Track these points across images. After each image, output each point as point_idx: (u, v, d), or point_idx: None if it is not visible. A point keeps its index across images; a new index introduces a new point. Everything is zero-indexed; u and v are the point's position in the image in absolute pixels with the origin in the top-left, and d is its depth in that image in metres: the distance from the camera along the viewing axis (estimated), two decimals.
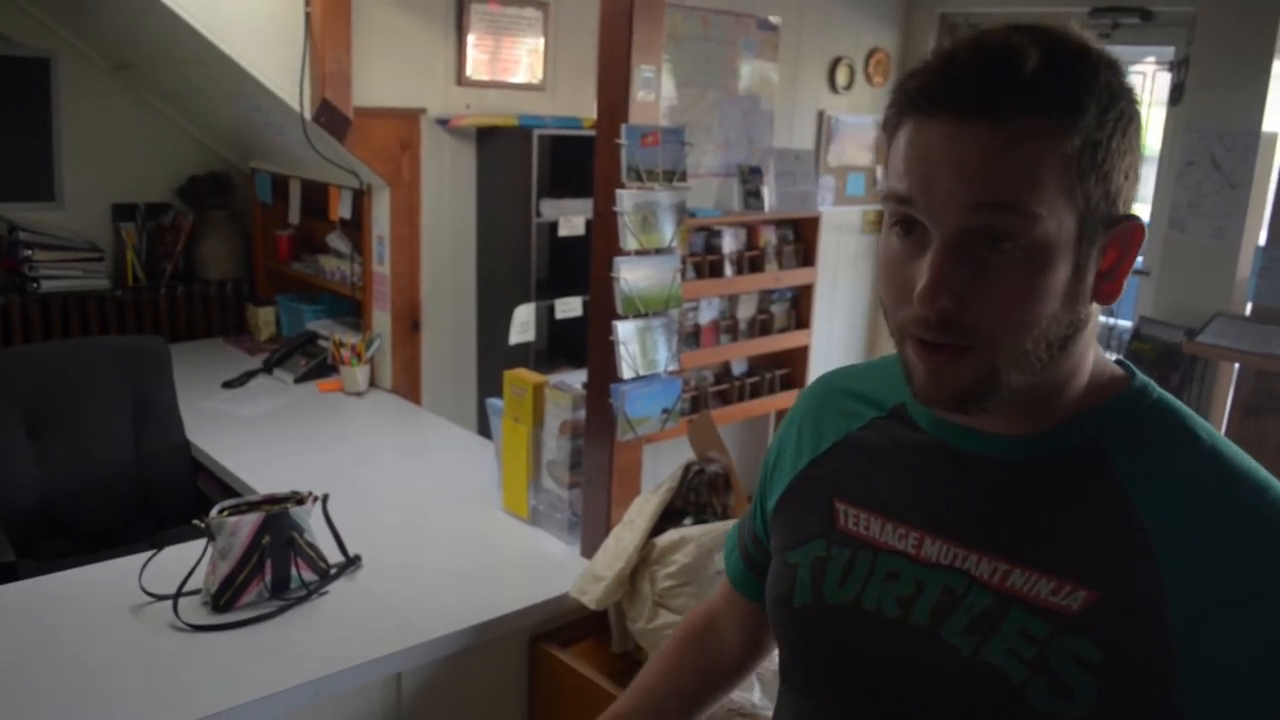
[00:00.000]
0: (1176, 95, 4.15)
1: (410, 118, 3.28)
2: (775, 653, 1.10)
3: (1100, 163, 0.76)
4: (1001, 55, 0.76)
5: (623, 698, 1.20)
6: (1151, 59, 4.42)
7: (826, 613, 0.92)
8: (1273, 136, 3.93)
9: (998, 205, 0.75)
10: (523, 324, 3.23)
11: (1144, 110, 0.81)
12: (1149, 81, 4.36)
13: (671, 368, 2.10)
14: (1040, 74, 0.74)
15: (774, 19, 4.40)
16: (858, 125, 4.89)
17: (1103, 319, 6.96)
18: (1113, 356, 0.89)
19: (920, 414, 0.92)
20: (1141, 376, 0.87)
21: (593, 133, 2.07)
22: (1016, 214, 0.75)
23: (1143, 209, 4.53)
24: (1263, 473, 0.79)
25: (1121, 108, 0.77)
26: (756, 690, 1.72)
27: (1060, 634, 0.79)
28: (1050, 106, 0.74)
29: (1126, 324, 4.47)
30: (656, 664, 1.23)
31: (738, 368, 4.64)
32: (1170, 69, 4.21)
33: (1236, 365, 3.93)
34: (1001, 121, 0.74)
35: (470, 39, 3.35)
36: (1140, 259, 4.38)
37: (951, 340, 0.79)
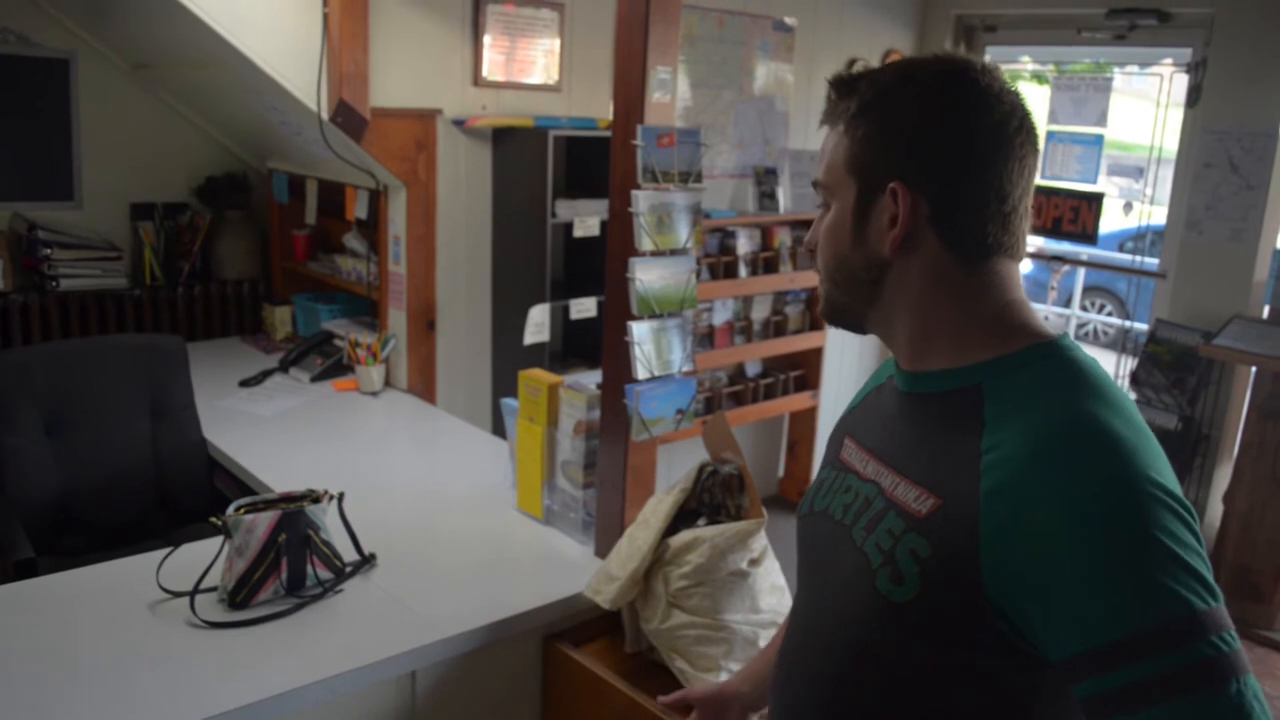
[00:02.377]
0: (1194, 97, 4.13)
1: (426, 118, 3.29)
2: None
3: (866, 141, 1.04)
4: (832, 82, 1.09)
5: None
6: (1169, 61, 4.39)
7: (812, 518, 1.18)
8: None
9: (817, 182, 1.11)
10: (538, 324, 3.24)
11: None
12: (1166, 83, 4.34)
13: (686, 368, 2.10)
14: (838, 96, 1.08)
15: (789, 20, 4.40)
16: None
17: (1119, 321, 6.92)
18: (1060, 332, 1.05)
19: (893, 365, 1.15)
20: (1061, 343, 1.01)
21: (608, 133, 2.08)
22: (824, 187, 1.10)
23: (1159, 211, 4.52)
24: (1097, 420, 0.92)
25: (880, 105, 1.03)
26: None
27: (909, 531, 0.99)
28: (839, 118, 1.08)
29: (1143, 327, 4.45)
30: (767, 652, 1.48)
31: (752, 369, 4.64)
32: (1187, 71, 4.18)
33: (1254, 368, 3.91)
34: (833, 128, 1.09)
35: (486, 40, 3.36)
36: (1155, 261, 4.38)
37: (817, 272, 1.14)
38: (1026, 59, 5.14)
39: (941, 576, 0.94)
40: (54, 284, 3.42)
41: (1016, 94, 1.03)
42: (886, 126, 1.03)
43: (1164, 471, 0.90)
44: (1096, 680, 0.85)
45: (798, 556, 1.22)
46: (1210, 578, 0.86)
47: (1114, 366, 4.60)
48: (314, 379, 3.40)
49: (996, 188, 1.01)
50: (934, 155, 1.01)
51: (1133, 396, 4.13)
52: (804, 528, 1.20)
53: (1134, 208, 5.26)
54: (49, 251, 3.42)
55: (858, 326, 1.13)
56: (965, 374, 1.02)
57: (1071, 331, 7.61)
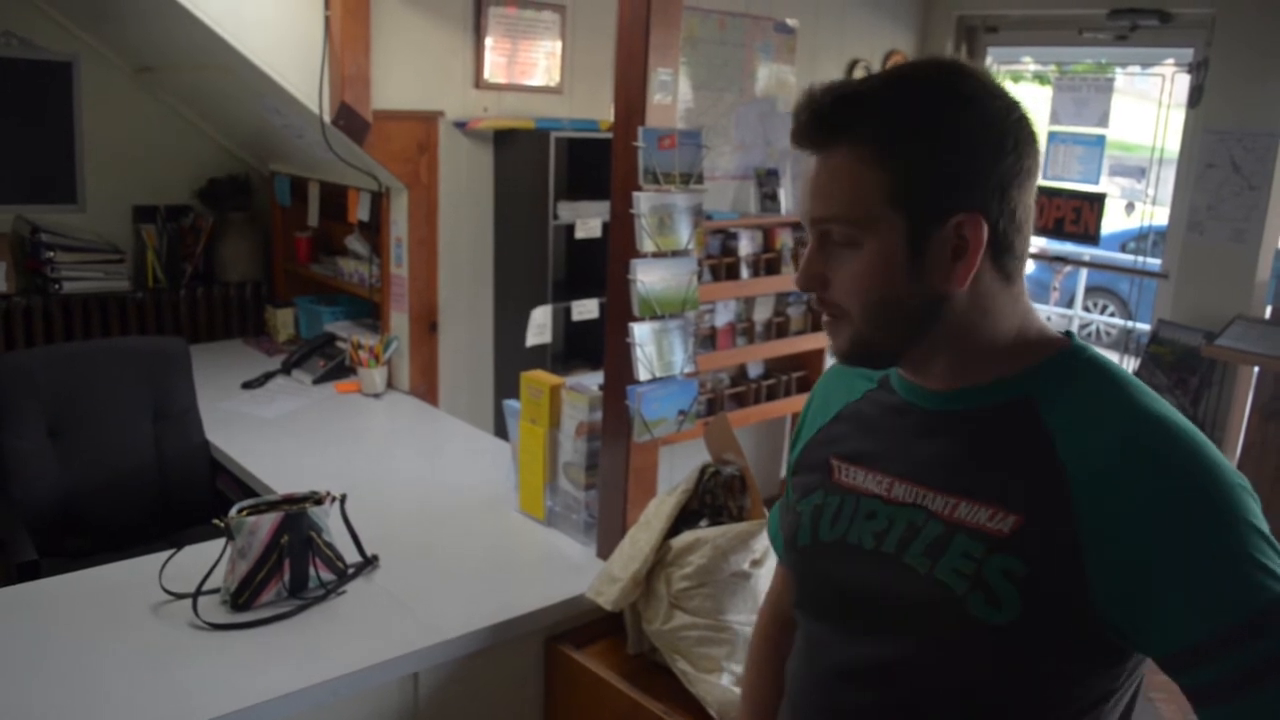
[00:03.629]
0: (1195, 97, 4.13)
1: (428, 120, 3.30)
2: None
3: (915, 171, 0.95)
4: (811, 100, 0.99)
5: None
6: (1170, 61, 4.39)
7: (821, 548, 1.10)
8: None
9: (825, 218, 0.99)
10: (540, 326, 3.24)
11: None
12: (1168, 84, 4.33)
13: (688, 370, 2.11)
14: (839, 118, 0.98)
15: (791, 21, 4.40)
16: None
17: (1121, 322, 6.92)
18: (1063, 330, 1.05)
19: (895, 381, 1.10)
20: (1079, 343, 1.02)
21: (610, 135, 2.08)
22: (845, 222, 0.98)
23: (1161, 212, 4.51)
24: (1169, 419, 0.93)
25: (927, 125, 0.95)
26: None
27: (994, 553, 0.95)
28: (854, 143, 0.96)
29: (1145, 327, 4.44)
30: (747, 689, 1.38)
31: (754, 370, 4.64)
32: (1189, 71, 4.18)
33: (1256, 369, 3.91)
34: (823, 153, 0.98)
35: (488, 42, 3.37)
36: (1158, 262, 4.38)
37: (828, 313, 1.03)
38: (1028, 59, 5.14)
39: (1045, 591, 0.92)
40: (57, 287, 3.43)
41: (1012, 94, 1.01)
42: (939, 151, 0.95)
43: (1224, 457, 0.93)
44: (1206, 668, 0.87)
45: (805, 589, 1.15)
46: None
47: None
48: (316, 381, 3.40)
49: (1034, 200, 1.01)
50: (1000, 180, 0.96)
51: None
52: (812, 559, 1.13)
53: (1136, 208, 5.27)
54: (52, 254, 3.43)
55: (890, 363, 1.06)
56: (1008, 386, 1.00)
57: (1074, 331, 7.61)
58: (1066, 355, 1.01)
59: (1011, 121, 0.97)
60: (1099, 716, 0.98)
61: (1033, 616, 0.92)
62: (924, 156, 0.95)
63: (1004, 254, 0.99)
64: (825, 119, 0.98)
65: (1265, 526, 0.89)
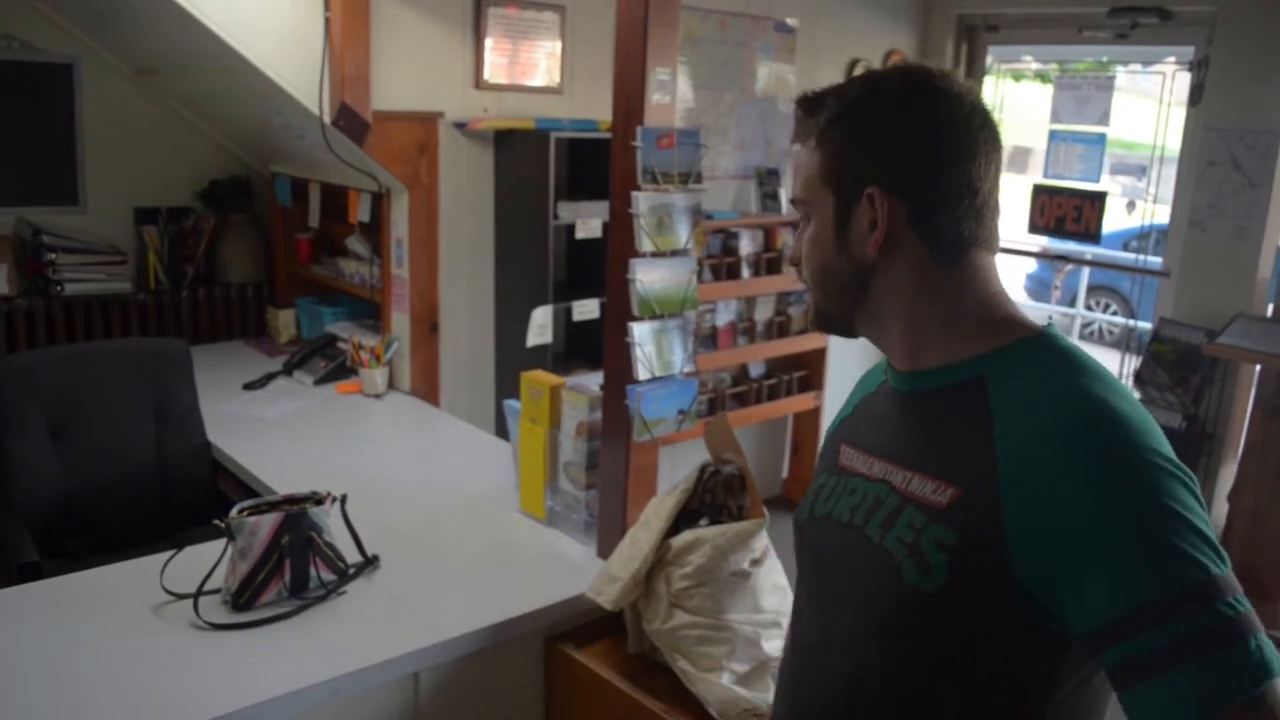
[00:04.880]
0: (1196, 95, 4.12)
1: (428, 121, 3.30)
2: None
3: (839, 151, 1.08)
4: (799, 101, 1.14)
5: None
6: (1171, 59, 4.39)
7: (813, 523, 1.18)
8: None
9: (796, 199, 1.15)
10: (540, 326, 3.24)
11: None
12: (1169, 81, 4.33)
13: (687, 369, 2.11)
14: (806, 114, 1.13)
15: (791, 21, 4.40)
16: None
17: (1123, 320, 6.91)
18: (1044, 321, 1.09)
19: (887, 368, 1.17)
20: (1050, 331, 1.06)
21: (609, 135, 2.08)
22: (802, 202, 1.13)
23: (1163, 210, 4.51)
24: (1104, 402, 0.96)
25: (848, 117, 1.08)
26: (772, 690, 1.72)
27: (931, 523, 1.00)
28: (810, 135, 1.12)
29: (1146, 325, 4.44)
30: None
31: (755, 369, 4.64)
32: (1190, 69, 4.18)
33: (1258, 367, 3.90)
34: (805, 144, 1.13)
35: (488, 42, 3.37)
36: (1159, 260, 4.37)
37: (803, 283, 1.17)
38: (1029, 58, 5.14)
39: (969, 562, 0.97)
40: (59, 288, 3.44)
41: (976, 93, 1.08)
42: (857, 137, 1.08)
43: (1165, 444, 0.95)
44: (1123, 646, 0.89)
45: (799, 564, 1.22)
46: (1218, 543, 0.91)
47: (1118, 365, 4.60)
48: (317, 382, 3.41)
49: (967, 184, 1.05)
50: (906, 158, 1.06)
51: (1137, 395, 4.13)
52: (806, 534, 1.20)
53: (1137, 206, 5.26)
54: (53, 256, 3.43)
55: (848, 330, 1.16)
56: (964, 368, 1.06)
57: (1076, 330, 7.61)
58: (1030, 340, 1.05)
59: (945, 115, 1.05)
60: (1050, 706, 1.00)
61: (959, 586, 0.97)
62: (847, 140, 1.08)
63: (928, 233, 1.06)
64: (797, 116, 1.14)
65: (1192, 512, 0.90)
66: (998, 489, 0.96)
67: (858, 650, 1.07)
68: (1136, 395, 4.07)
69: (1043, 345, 1.04)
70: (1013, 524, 0.94)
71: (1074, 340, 1.08)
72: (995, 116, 1.09)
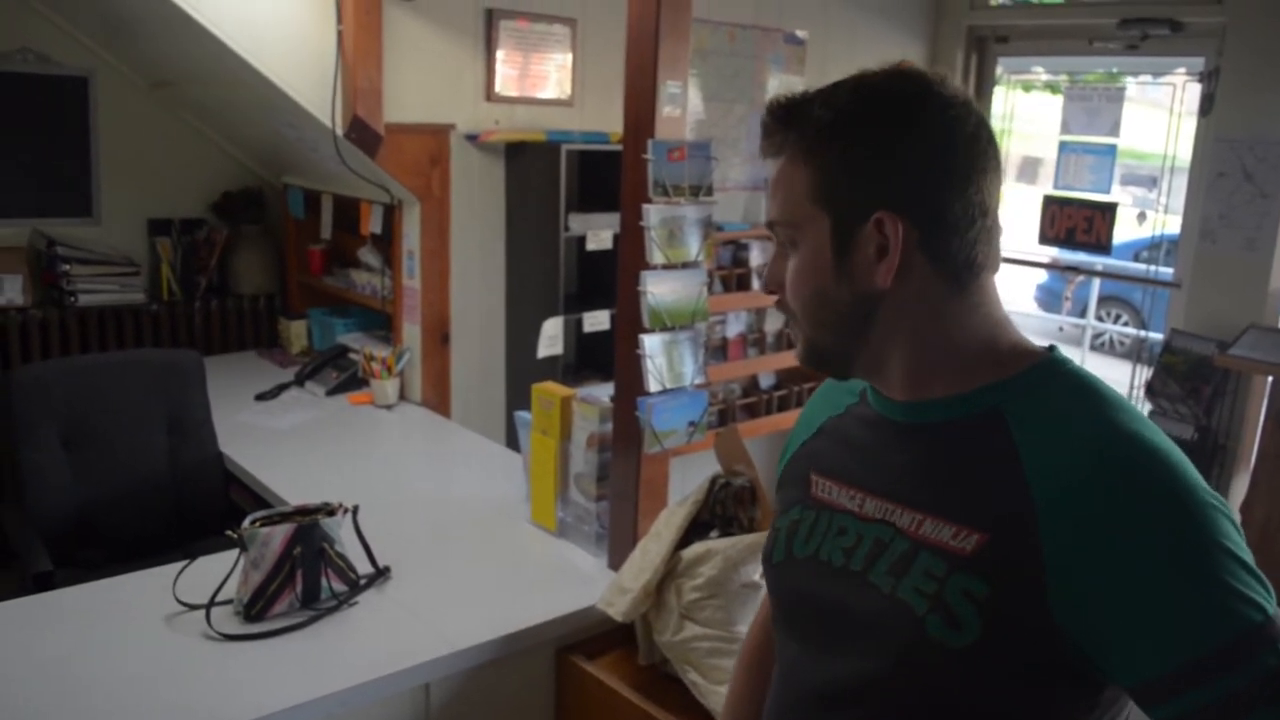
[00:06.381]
0: (1207, 106, 4.12)
1: (440, 133, 3.31)
2: None
3: (835, 168, 0.97)
4: (765, 111, 1.02)
5: None
6: (1182, 70, 4.38)
7: (794, 564, 1.08)
8: None
9: (774, 222, 1.03)
10: (551, 337, 3.25)
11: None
12: (1179, 92, 4.32)
13: (698, 381, 2.11)
14: (782, 125, 1.01)
15: (801, 33, 4.41)
16: None
17: (1134, 332, 6.88)
18: (1046, 343, 1.02)
19: (870, 393, 1.08)
20: (1058, 356, 0.99)
21: (620, 148, 2.09)
22: (783, 225, 1.02)
23: (1173, 221, 4.50)
24: (1141, 436, 0.90)
25: (843, 128, 0.97)
26: None
27: (955, 572, 0.92)
28: (786, 148, 1.00)
29: (1158, 337, 4.42)
30: (726, 707, 1.35)
31: (765, 381, 4.64)
32: (1200, 80, 4.17)
33: (1270, 378, 3.88)
34: (775, 160, 1.01)
35: (499, 55, 3.38)
36: (1170, 271, 4.36)
37: (785, 314, 1.05)
38: (1039, 69, 5.14)
39: (1005, 613, 0.89)
40: (72, 299, 3.46)
41: (975, 102, 1.00)
42: (855, 151, 0.97)
43: (1200, 477, 0.90)
44: (1183, 698, 0.83)
45: (777, 605, 1.13)
46: (1263, 575, 0.86)
47: (1130, 377, 4.58)
48: (329, 393, 3.42)
49: (979, 203, 0.96)
50: (917, 177, 0.96)
51: (1148, 407, 4.12)
52: (784, 576, 1.10)
53: (1148, 217, 5.25)
54: (68, 267, 3.46)
55: (843, 370, 1.06)
56: (977, 398, 0.97)
57: (1087, 342, 7.58)
58: (1041, 368, 0.98)
59: (954, 129, 0.96)
60: None
61: (993, 638, 0.89)
62: (843, 153, 0.97)
63: (941, 258, 0.96)
64: (769, 127, 1.02)
65: (1241, 549, 0.85)
66: (1036, 532, 0.88)
67: (868, 702, 0.99)
68: (1149, 409, 4.08)
69: (1055, 373, 0.97)
70: (1055, 569, 0.87)
71: (1084, 351, 1.06)
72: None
